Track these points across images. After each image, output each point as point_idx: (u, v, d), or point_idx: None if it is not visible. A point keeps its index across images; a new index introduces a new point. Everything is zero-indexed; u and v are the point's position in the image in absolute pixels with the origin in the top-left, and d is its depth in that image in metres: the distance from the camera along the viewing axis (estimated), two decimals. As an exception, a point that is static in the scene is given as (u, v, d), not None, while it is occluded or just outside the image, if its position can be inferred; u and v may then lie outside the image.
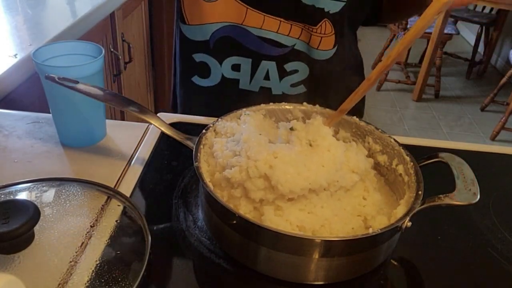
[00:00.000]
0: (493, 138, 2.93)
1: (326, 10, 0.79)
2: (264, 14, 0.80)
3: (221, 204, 0.51)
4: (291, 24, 0.81)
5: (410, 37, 0.55)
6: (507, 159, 0.82)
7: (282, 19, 0.80)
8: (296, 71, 0.86)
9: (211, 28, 0.83)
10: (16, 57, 1.05)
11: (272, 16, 0.80)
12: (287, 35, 0.82)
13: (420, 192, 0.55)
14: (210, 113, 0.80)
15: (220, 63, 0.86)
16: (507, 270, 0.59)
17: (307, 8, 0.78)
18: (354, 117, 0.69)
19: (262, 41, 0.82)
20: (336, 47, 0.84)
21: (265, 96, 0.87)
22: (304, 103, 0.70)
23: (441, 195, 0.54)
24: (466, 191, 0.55)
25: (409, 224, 0.53)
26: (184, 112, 0.96)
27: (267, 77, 0.86)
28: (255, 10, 0.79)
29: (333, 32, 0.81)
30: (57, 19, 1.35)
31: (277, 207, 0.56)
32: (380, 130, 0.67)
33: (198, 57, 0.88)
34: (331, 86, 0.89)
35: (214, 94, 0.90)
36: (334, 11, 0.79)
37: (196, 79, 0.90)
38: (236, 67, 0.86)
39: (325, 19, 0.79)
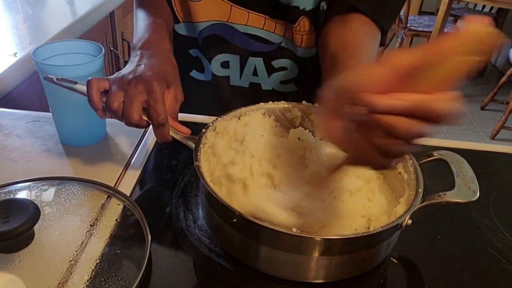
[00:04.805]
0: (493, 137, 2.92)
1: (301, 7, 0.77)
2: (249, 11, 0.80)
3: (222, 203, 0.51)
4: (276, 22, 0.80)
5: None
6: (507, 158, 0.82)
7: (267, 17, 0.80)
8: (284, 68, 0.86)
9: (199, 26, 0.83)
10: (16, 56, 1.05)
11: (257, 13, 0.80)
12: (273, 32, 0.82)
13: (420, 190, 0.55)
14: (209, 108, 0.80)
15: (209, 61, 0.87)
16: (507, 269, 0.59)
17: (283, 6, 0.78)
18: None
19: (249, 38, 0.83)
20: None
21: (256, 91, 0.88)
22: (304, 102, 0.70)
23: (440, 193, 0.55)
24: (465, 188, 0.55)
25: (409, 222, 0.53)
26: (186, 108, 0.96)
27: (255, 73, 0.87)
28: (239, 7, 0.79)
29: (313, 29, 0.80)
30: (57, 18, 1.35)
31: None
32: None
33: (195, 52, 0.88)
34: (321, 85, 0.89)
35: (209, 89, 0.91)
36: (309, 8, 0.77)
37: (194, 73, 0.91)
38: (225, 64, 0.87)
39: (302, 16, 0.78)
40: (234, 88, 0.89)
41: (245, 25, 0.81)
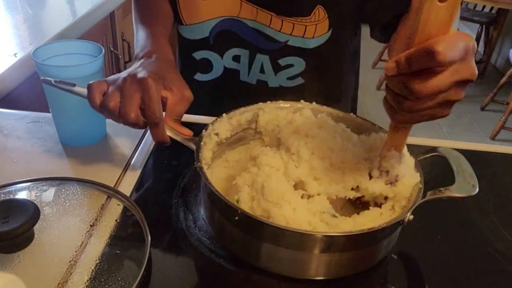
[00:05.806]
0: (493, 138, 2.92)
1: None
2: (257, 7, 0.80)
3: (225, 201, 0.51)
4: (282, 20, 0.80)
5: None
6: (507, 159, 0.82)
7: (273, 14, 0.80)
8: (291, 65, 0.86)
9: (210, 24, 0.83)
10: (16, 57, 1.05)
11: (264, 10, 0.80)
12: (279, 31, 0.82)
13: (420, 186, 0.55)
14: (213, 108, 0.80)
15: (221, 56, 0.87)
16: (506, 269, 0.59)
17: (297, 0, 0.78)
18: (352, 113, 0.69)
19: (257, 34, 0.83)
20: (331, 30, 0.83)
21: (262, 89, 0.88)
22: (302, 101, 0.70)
23: (441, 188, 0.55)
24: (465, 184, 0.56)
25: (411, 217, 0.53)
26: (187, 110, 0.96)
27: (262, 71, 0.87)
28: (248, 2, 0.80)
29: (327, 16, 0.80)
30: (57, 18, 1.35)
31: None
32: (377, 125, 0.67)
33: (199, 54, 0.88)
34: (328, 72, 0.89)
35: (216, 88, 0.91)
36: None
37: (198, 76, 0.91)
38: (236, 58, 0.87)
39: (318, 6, 0.78)
40: (242, 84, 0.89)
41: (254, 20, 0.82)
